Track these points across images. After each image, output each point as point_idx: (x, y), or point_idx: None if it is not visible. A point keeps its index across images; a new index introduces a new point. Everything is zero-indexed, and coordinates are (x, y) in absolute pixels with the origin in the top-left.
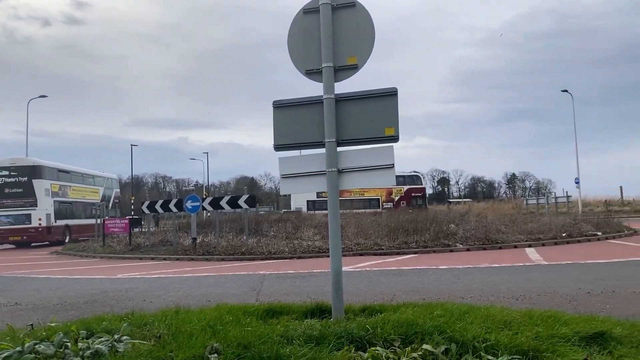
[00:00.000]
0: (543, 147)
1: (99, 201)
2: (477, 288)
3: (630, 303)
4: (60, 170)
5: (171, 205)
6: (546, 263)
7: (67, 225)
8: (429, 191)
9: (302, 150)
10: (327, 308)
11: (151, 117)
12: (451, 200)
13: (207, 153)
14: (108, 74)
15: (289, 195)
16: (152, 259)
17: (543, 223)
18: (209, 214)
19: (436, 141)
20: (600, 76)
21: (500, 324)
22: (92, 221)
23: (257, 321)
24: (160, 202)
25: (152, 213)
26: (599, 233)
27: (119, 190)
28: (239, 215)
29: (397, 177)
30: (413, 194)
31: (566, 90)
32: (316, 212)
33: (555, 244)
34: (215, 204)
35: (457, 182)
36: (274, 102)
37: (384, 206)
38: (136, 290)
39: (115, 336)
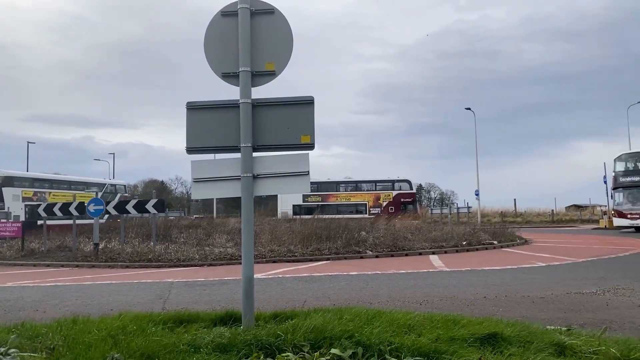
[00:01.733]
0: (447, 160)
1: None
2: (385, 293)
3: (520, 306)
4: (36, 179)
5: (71, 209)
6: (448, 269)
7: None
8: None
9: (216, 155)
10: (237, 316)
11: (53, 113)
12: None
13: (114, 154)
14: (4, 63)
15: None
16: (48, 265)
17: (446, 232)
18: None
19: (351, 151)
20: (500, 96)
21: (404, 327)
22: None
23: (163, 330)
24: (59, 204)
25: (50, 216)
26: (495, 242)
27: (127, 194)
28: (146, 220)
29: (386, 182)
30: (402, 200)
31: (469, 108)
32: (302, 216)
33: (457, 251)
34: (121, 208)
35: None
36: (188, 103)
37: (371, 212)
38: (28, 300)
39: (2, 349)
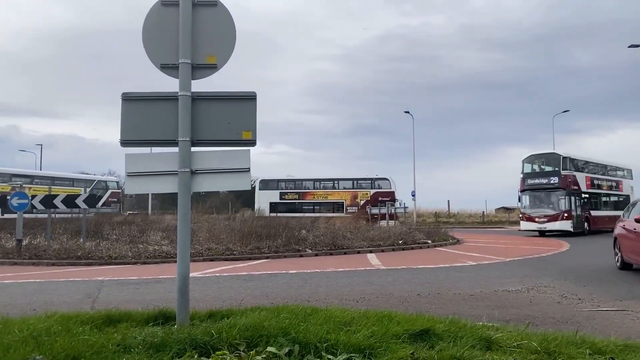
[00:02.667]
0: (388, 161)
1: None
2: (323, 291)
3: (452, 303)
4: (15, 175)
5: None
6: (384, 268)
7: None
8: None
9: (153, 149)
10: (171, 315)
11: None
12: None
13: (42, 145)
14: None
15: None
16: None
17: (383, 231)
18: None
19: (294, 149)
20: (438, 101)
21: (340, 324)
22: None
23: (91, 330)
24: None
25: None
26: (430, 241)
27: (117, 190)
28: (76, 215)
29: (363, 180)
30: (380, 198)
31: (408, 112)
32: (279, 214)
33: (393, 250)
34: (49, 202)
35: None
36: (123, 94)
37: (348, 210)
38: None
39: None
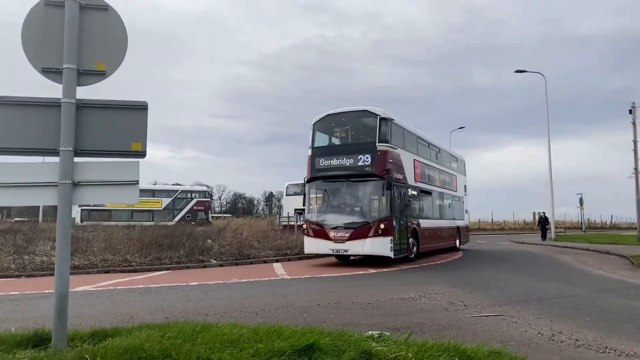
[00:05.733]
0: (296, 169)
1: (160, 209)
2: (223, 304)
3: (349, 312)
4: None
5: None
6: (289, 277)
7: None
8: None
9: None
10: (48, 336)
11: None
12: (212, 215)
13: None
14: None
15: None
16: None
17: (291, 239)
18: None
19: (205, 155)
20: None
21: (227, 342)
22: None
23: None
24: None
25: None
26: None
27: (205, 199)
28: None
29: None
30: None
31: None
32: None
33: (299, 259)
34: None
35: (219, 198)
36: None
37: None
38: None
39: None
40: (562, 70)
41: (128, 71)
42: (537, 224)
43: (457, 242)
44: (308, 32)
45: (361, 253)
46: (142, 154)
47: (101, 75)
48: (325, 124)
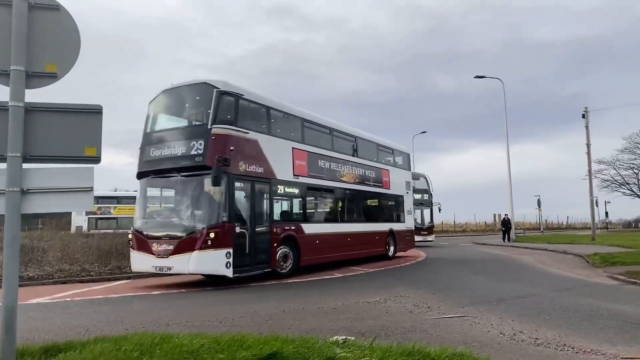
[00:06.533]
0: None
1: None
2: (187, 313)
3: (314, 318)
4: (101, 197)
5: None
6: (255, 284)
7: None
8: None
9: None
10: None
11: None
12: None
13: None
14: None
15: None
16: None
17: None
18: None
19: None
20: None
21: (187, 353)
22: None
23: None
24: None
25: None
26: None
27: None
28: None
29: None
30: None
31: None
32: None
33: None
34: None
35: None
36: None
37: None
38: None
39: None
40: (521, 75)
41: (94, 77)
42: (500, 225)
43: (390, 248)
44: (274, 37)
45: (186, 272)
46: (96, 160)
47: (52, 77)
48: (160, 103)
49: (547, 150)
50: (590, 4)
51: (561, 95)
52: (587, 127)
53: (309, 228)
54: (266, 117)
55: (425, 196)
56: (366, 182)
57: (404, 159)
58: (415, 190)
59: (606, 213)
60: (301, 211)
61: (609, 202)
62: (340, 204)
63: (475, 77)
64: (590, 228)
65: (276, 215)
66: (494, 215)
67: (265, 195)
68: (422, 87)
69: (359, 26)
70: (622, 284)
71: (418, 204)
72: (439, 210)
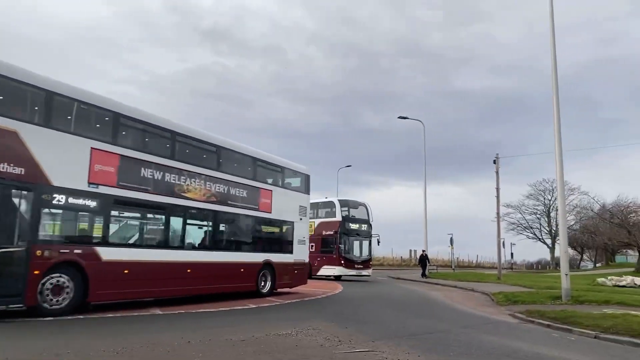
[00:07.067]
0: None
1: None
2: (74, 345)
3: (220, 350)
4: None
5: None
6: (160, 312)
7: None
8: None
9: None
10: None
11: None
12: None
13: None
14: None
15: None
16: None
17: None
18: None
19: None
20: (247, 143)
21: None
22: None
23: None
24: None
25: None
26: None
27: None
28: None
29: None
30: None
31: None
32: None
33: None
34: None
35: None
36: None
37: None
38: None
39: None
40: (443, 119)
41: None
42: (417, 261)
43: (266, 284)
44: (206, 59)
45: None
46: None
47: None
48: None
49: (462, 192)
50: (508, 58)
51: (477, 141)
52: (497, 173)
53: (111, 253)
54: (43, 102)
55: (364, 226)
56: (229, 203)
57: (301, 180)
58: (354, 220)
59: (511, 254)
60: (100, 230)
61: (514, 244)
62: (177, 225)
63: (399, 118)
64: (497, 268)
65: (44, 234)
66: (410, 251)
67: (24, 206)
68: (350, 123)
69: (293, 57)
70: (522, 322)
71: (354, 234)
72: (378, 242)
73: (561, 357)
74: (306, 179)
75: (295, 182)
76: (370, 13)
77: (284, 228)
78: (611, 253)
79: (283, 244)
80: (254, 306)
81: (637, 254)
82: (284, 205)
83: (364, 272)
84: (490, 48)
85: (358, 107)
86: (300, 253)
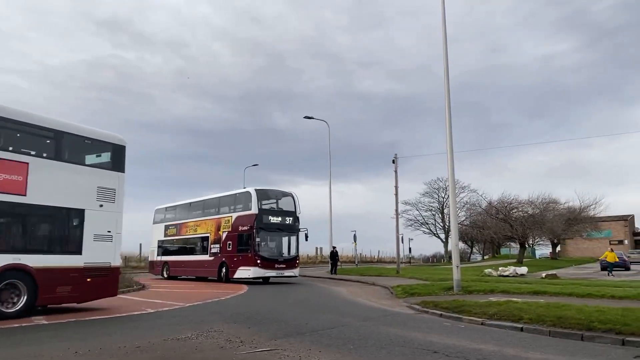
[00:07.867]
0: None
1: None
2: None
3: (112, 359)
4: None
5: None
6: (46, 322)
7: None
8: None
9: None
10: None
11: None
12: None
13: None
14: None
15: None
16: None
17: None
18: None
19: None
20: (149, 140)
21: None
22: None
23: None
24: None
25: None
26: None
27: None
28: None
29: (228, 197)
30: (241, 228)
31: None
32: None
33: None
34: None
35: None
36: None
37: (212, 250)
38: None
39: None
40: (347, 120)
41: None
42: (329, 257)
43: (22, 298)
44: (103, 50)
45: None
46: None
47: None
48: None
49: (365, 190)
50: (407, 62)
51: (379, 142)
52: (396, 172)
53: None
54: None
55: (288, 220)
56: None
57: (108, 153)
58: (273, 213)
59: (410, 249)
60: None
61: (412, 239)
62: None
63: (304, 117)
64: (396, 262)
65: None
66: (316, 248)
67: None
68: (257, 121)
69: (197, 53)
70: (417, 312)
71: (275, 229)
72: (306, 237)
73: (451, 343)
74: (117, 150)
75: (92, 154)
76: (277, 12)
77: (61, 218)
78: (497, 246)
79: (59, 240)
80: (152, 311)
81: (519, 247)
82: (61, 185)
83: (287, 273)
84: (389, 53)
85: (265, 105)
86: (101, 253)
